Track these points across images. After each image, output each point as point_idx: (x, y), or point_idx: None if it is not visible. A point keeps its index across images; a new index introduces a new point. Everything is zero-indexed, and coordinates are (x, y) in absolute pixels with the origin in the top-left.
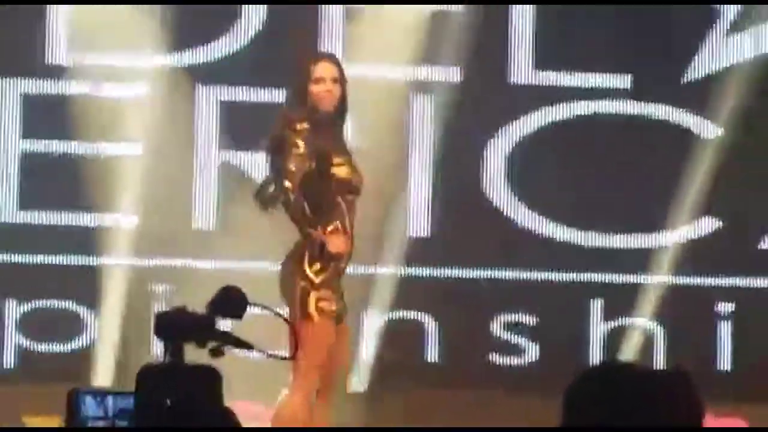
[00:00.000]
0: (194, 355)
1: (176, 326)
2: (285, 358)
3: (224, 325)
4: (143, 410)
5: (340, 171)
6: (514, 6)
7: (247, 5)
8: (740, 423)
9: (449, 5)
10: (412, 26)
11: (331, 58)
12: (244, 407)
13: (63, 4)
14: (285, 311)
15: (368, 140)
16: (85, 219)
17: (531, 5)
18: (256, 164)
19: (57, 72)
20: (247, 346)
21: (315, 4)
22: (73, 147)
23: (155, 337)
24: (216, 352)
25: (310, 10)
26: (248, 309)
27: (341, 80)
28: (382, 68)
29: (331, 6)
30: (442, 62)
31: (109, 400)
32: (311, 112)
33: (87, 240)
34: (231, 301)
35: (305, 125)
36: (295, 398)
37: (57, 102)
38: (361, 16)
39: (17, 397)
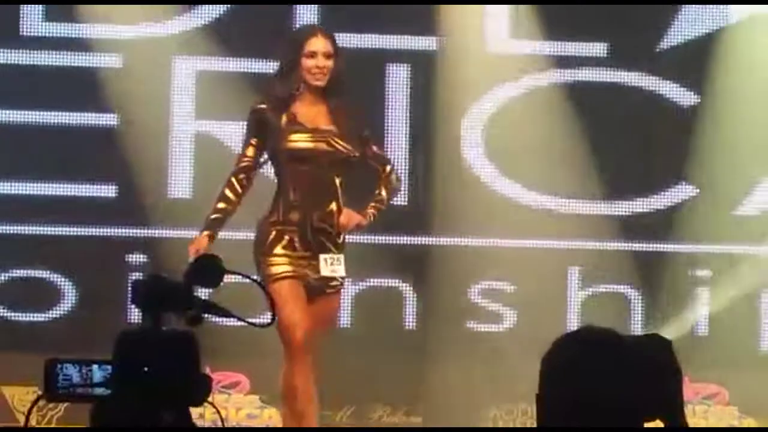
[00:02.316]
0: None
1: (153, 294)
2: (263, 326)
3: (202, 293)
4: (121, 377)
5: (295, 143)
6: None
7: None
8: (718, 388)
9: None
10: None
11: (325, 31)
12: (225, 376)
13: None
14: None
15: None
16: (61, 189)
17: None
18: (232, 134)
19: (32, 42)
20: (225, 313)
21: None
22: (49, 117)
23: (132, 305)
24: (193, 320)
25: None
26: (225, 277)
27: (334, 54)
28: (358, 38)
29: None
30: (419, 32)
31: (87, 368)
32: (300, 85)
33: (63, 209)
34: (208, 269)
35: (277, 102)
36: (284, 369)
37: (32, 72)
38: None
39: None
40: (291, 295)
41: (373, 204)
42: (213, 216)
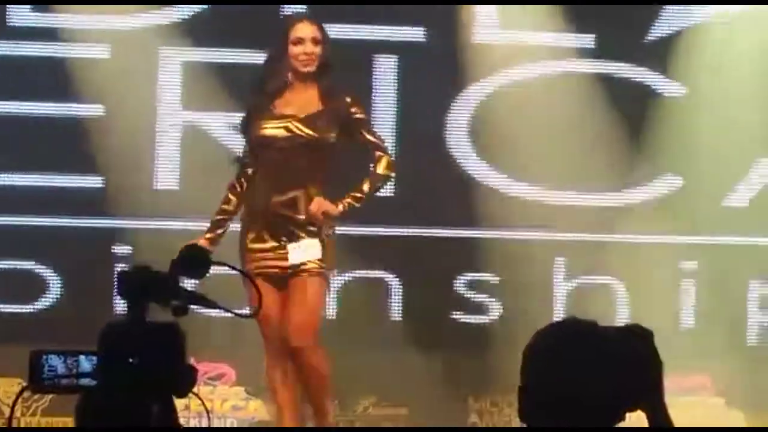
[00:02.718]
0: (158, 314)
1: (138, 285)
2: (249, 317)
3: (188, 284)
4: (107, 369)
5: (260, 131)
6: None
7: None
8: (704, 380)
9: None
10: None
11: (311, 18)
12: (210, 367)
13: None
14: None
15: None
16: (46, 180)
17: None
18: (218, 125)
19: (19, 33)
20: (211, 304)
21: None
22: (34, 108)
23: (118, 296)
24: (179, 311)
25: None
26: (212, 268)
27: (322, 41)
28: (345, 29)
29: None
30: (407, 23)
31: (72, 359)
32: (289, 74)
33: (49, 200)
34: (194, 260)
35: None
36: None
37: (18, 63)
38: None
39: None
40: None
41: (350, 194)
42: (216, 218)
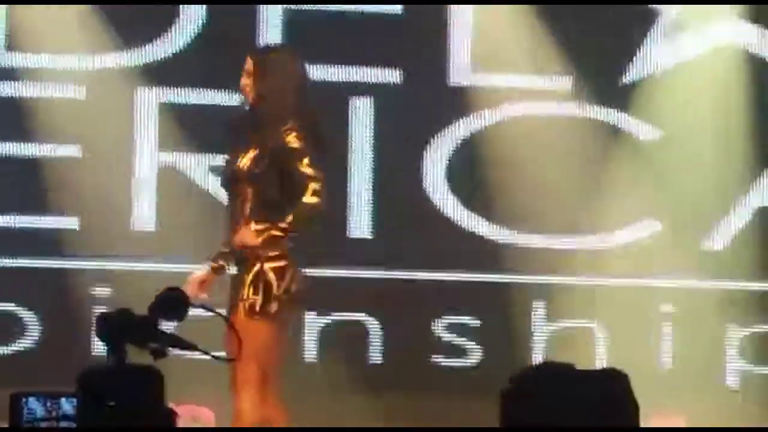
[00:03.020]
0: (137, 356)
1: (118, 327)
2: (229, 360)
3: (167, 326)
4: (86, 411)
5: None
6: (452, 6)
7: (186, 5)
8: (681, 421)
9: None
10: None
11: (256, 51)
12: (188, 410)
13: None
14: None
15: None
16: (23, 221)
17: (470, 5)
18: (196, 165)
19: None
20: (191, 347)
21: (254, 4)
22: (10, 148)
23: (97, 338)
24: (158, 353)
25: (249, 10)
26: (190, 310)
27: (258, 73)
28: (322, 70)
29: (269, 6)
30: (383, 64)
31: (52, 402)
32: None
33: (26, 242)
34: (173, 302)
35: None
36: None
37: None
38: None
39: None
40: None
41: (275, 225)
42: (222, 249)
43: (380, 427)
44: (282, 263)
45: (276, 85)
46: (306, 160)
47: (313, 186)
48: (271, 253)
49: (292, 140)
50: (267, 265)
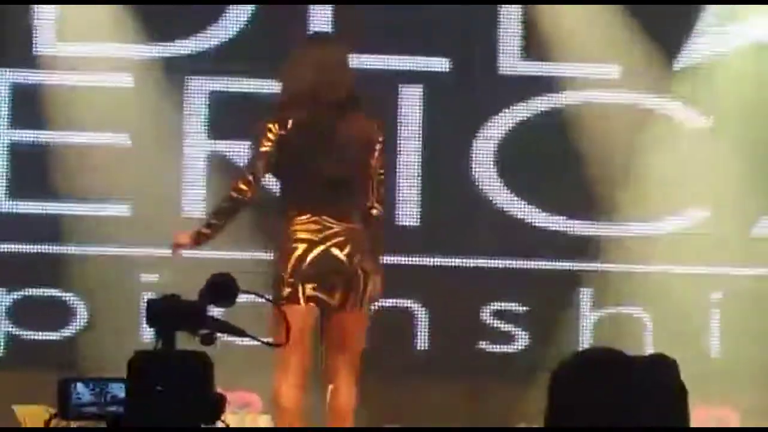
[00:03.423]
0: (186, 343)
1: (167, 313)
2: (277, 345)
3: (216, 312)
4: (135, 397)
5: None
6: None
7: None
8: (729, 412)
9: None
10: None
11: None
12: (238, 396)
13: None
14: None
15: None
16: (74, 208)
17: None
18: (244, 153)
19: (46, 62)
20: (239, 332)
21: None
22: (63, 137)
23: (146, 324)
24: (207, 339)
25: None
26: (239, 296)
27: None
28: (371, 58)
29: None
30: (432, 53)
31: (101, 387)
32: None
33: (77, 229)
34: (222, 288)
35: None
36: (351, 389)
37: (46, 92)
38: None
39: (7, 385)
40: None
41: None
42: None
43: (380, 427)
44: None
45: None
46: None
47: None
48: None
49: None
50: None
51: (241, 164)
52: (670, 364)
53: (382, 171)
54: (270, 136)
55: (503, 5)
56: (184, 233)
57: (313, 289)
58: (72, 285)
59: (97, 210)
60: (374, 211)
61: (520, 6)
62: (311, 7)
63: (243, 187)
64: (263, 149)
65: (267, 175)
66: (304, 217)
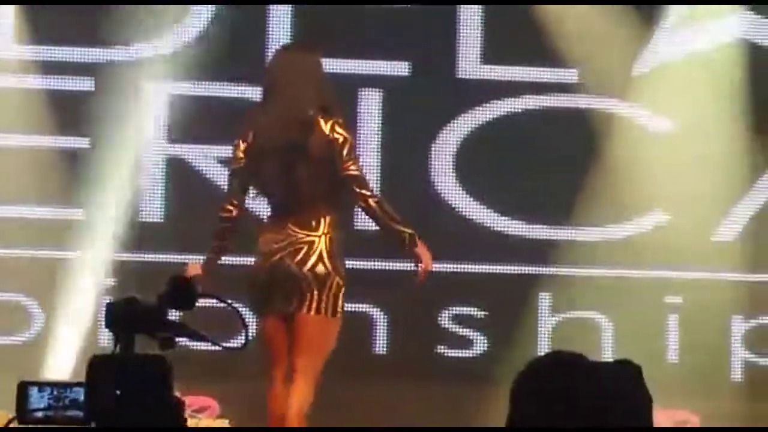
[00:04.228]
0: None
1: (126, 317)
2: (238, 349)
3: (176, 316)
4: (94, 400)
5: None
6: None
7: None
8: (689, 416)
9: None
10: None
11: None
12: (195, 400)
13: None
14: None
15: None
16: (32, 212)
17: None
18: (204, 157)
19: (4, 65)
20: (199, 336)
21: (264, 4)
22: (20, 140)
23: (105, 328)
24: (166, 343)
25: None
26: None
27: None
28: (331, 62)
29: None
30: (391, 57)
31: (59, 391)
32: None
33: (34, 233)
34: (181, 292)
35: None
36: (303, 393)
37: (3, 95)
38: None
39: None
40: None
41: None
42: None
43: (381, 428)
44: None
45: None
46: None
47: None
48: None
49: None
50: None
51: (199, 169)
52: (634, 370)
53: (353, 167)
54: (238, 153)
55: (463, 5)
56: (195, 265)
57: (271, 298)
58: (29, 289)
59: (55, 214)
60: (370, 201)
61: (480, 7)
62: (271, 8)
63: (229, 207)
64: (234, 167)
65: (250, 188)
66: (270, 227)
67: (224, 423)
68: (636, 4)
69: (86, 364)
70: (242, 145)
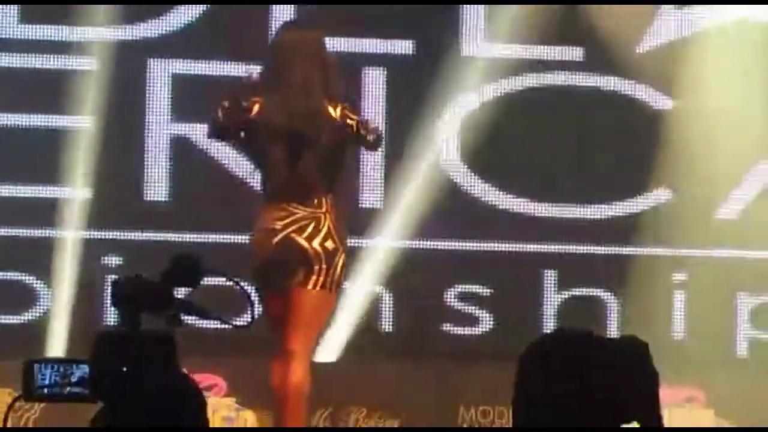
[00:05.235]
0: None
1: (132, 294)
2: (245, 327)
3: (182, 293)
4: (99, 377)
5: None
6: None
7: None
8: (695, 392)
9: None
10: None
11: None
12: (202, 378)
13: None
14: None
15: None
16: (36, 191)
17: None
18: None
19: (7, 44)
20: (204, 314)
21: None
22: (23, 120)
23: (111, 305)
24: (173, 321)
25: None
26: (204, 277)
27: None
28: (334, 41)
29: None
30: (395, 35)
31: (65, 369)
32: None
33: (39, 212)
34: (185, 269)
35: None
36: (304, 366)
37: (6, 74)
38: None
39: None
40: None
41: None
42: None
43: (380, 428)
44: None
45: None
46: None
47: None
48: None
49: None
50: None
51: (204, 147)
52: (641, 346)
53: (350, 121)
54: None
55: None
56: None
57: (278, 274)
58: (34, 269)
59: (60, 193)
60: (362, 132)
61: None
62: None
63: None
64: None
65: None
66: (271, 204)
67: (231, 402)
68: (636, 4)
69: (92, 341)
70: (252, 109)
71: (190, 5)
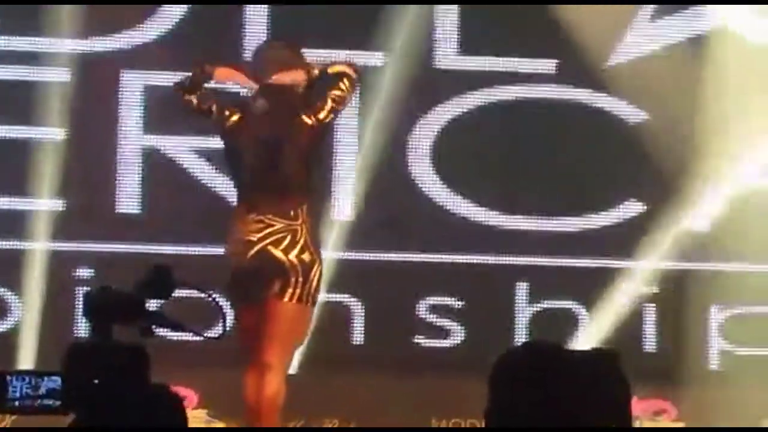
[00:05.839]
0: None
1: (104, 305)
2: (217, 338)
3: (154, 305)
4: (71, 389)
5: None
6: None
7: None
8: (666, 405)
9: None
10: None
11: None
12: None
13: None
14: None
15: None
16: (7, 203)
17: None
18: (180, 148)
19: None
20: (177, 325)
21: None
22: None
23: (83, 316)
24: (145, 332)
25: None
26: (176, 289)
27: None
28: (308, 53)
29: None
30: (367, 47)
31: (36, 381)
32: None
33: (9, 224)
34: (158, 281)
35: None
36: (279, 379)
37: None
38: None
39: None
40: None
41: None
42: None
43: (380, 428)
44: None
45: None
46: None
47: None
48: None
49: None
50: None
51: (176, 159)
52: (613, 357)
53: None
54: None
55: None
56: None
57: (254, 287)
58: (5, 280)
59: (31, 205)
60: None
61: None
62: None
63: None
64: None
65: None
66: (244, 215)
67: (202, 414)
68: (636, 4)
69: (64, 352)
70: (232, 115)
71: (165, 15)
